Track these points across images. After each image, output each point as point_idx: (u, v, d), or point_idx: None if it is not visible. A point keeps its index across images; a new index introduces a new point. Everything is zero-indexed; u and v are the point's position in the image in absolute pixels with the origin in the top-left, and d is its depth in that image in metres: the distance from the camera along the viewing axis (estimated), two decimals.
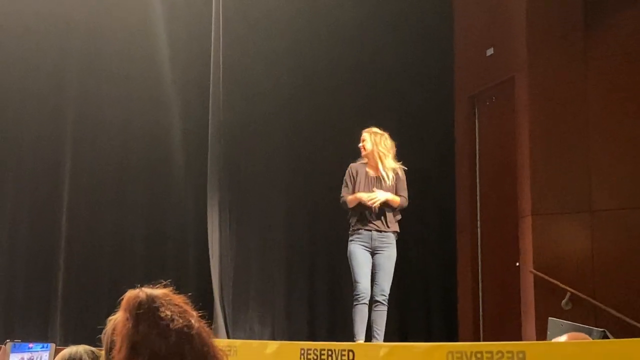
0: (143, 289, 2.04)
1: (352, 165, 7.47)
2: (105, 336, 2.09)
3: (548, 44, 9.20)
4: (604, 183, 8.83)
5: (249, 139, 10.10)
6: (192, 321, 2.01)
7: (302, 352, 5.82)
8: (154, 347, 1.93)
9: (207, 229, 9.20)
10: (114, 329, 2.06)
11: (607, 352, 4.34)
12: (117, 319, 2.06)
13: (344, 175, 7.49)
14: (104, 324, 7.77)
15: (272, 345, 6.15)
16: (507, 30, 9.65)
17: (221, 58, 9.37)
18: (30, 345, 3.51)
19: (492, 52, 9.85)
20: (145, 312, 1.98)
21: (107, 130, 9.81)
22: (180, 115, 10.03)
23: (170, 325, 1.98)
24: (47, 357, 3.48)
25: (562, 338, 4.17)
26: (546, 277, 8.68)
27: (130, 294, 2.04)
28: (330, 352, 5.61)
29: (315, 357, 5.69)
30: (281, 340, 8.75)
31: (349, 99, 10.42)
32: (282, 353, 5.99)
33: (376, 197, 7.17)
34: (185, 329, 1.99)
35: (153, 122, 9.96)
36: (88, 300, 9.32)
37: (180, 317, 2.00)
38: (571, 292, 8.56)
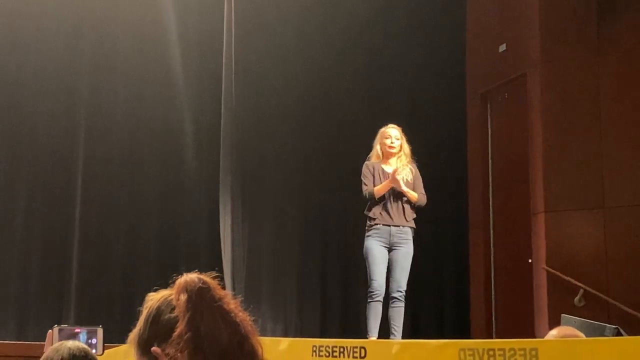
0: (200, 275, 2.02)
1: (366, 163, 7.42)
2: (148, 310, 2.06)
3: (561, 40, 9.18)
4: (617, 179, 8.80)
5: (261, 134, 10.12)
6: (248, 318, 2.02)
7: (314, 348, 5.82)
8: (217, 338, 1.92)
9: (219, 224, 9.21)
10: (157, 307, 2.04)
11: (620, 349, 4.33)
12: (167, 296, 2.04)
13: (358, 172, 7.46)
14: (116, 314, 7.69)
15: (284, 342, 6.15)
16: (519, 26, 9.62)
17: (233, 54, 9.38)
18: (77, 330, 3.51)
19: (505, 48, 9.82)
20: (209, 300, 1.97)
21: (120, 126, 9.84)
22: (192, 111, 10.04)
23: (232, 315, 1.97)
24: (95, 342, 3.49)
25: (553, 333, 4.15)
26: (559, 274, 8.66)
27: (188, 277, 2.01)
28: (342, 349, 5.61)
29: (327, 354, 5.69)
30: (293, 337, 8.76)
31: (360, 95, 10.43)
32: (294, 350, 5.98)
33: (399, 174, 7.14)
34: (244, 323, 1.99)
35: (165, 117, 9.97)
36: (101, 291, 9.42)
37: (240, 311, 2.01)
38: (584, 289, 8.54)
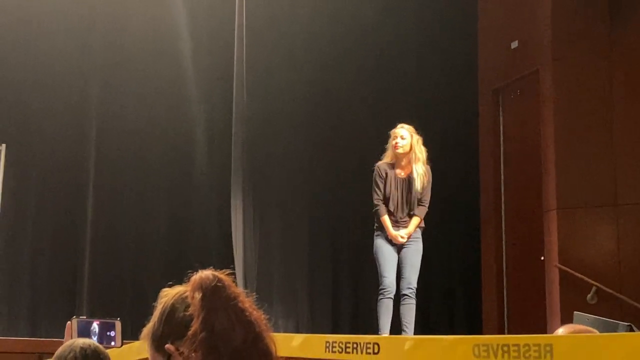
0: (215, 273, 2.02)
1: (379, 165, 7.25)
2: (162, 307, 2.05)
3: (573, 37, 9.15)
4: (629, 177, 8.78)
5: (272, 132, 10.13)
6: (262, 317, 2.02)
7: (327, 345, 5.82)
8: (231, 337, 1.92)
9: (230, 222, 9.22)
10: (172, 304, 2.04)
11: (635, 345, 4.31)
12: (182, 293, 2.04)
13: (368, 170, 7.42)
14: (129, 310, 7.70)
15: (298, 338, 6.15)
16: (531, 23, 9.60)
17: (244, 53, 9.38)
18: (96, 322, 3.53)
19: (517, 45, 9.80)
20: (224, 298, 1.97)
21: (131, 124, 9.86)
22: (203, 110, 10.06)
23: (247, 314, 1.97)
24: (113, 334, 3.50)
25: (560, 331, 4.13)
26: (571, 271, 8.64)
27: (203, 274, 2.00)
28: (355, 345, 5.60)
29: (340, 350, 5.68)
30: (305, 333, 8.75)
31: (372, 92, 10.43)
32: (307, 346, 5.98)
33: (401, 241, 7.09)
34: (258, 322, 1.99)
35: (176, 116, 10.00)
36: (113, 288, 9.49)
37: (254, 310, 2.00)
38: (597, 286, 8.51)
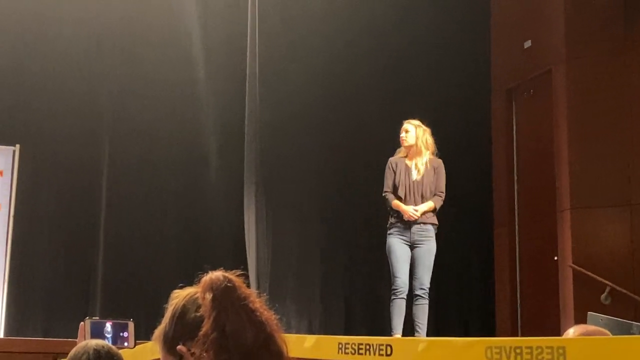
0: (226, 273, 2.03)
1: (391, 159, 7.42)
2: (173, 308, 2.06)
3: (587, 36, 9.11)
4: None
5: (285, 133, 10.12)
6: (273, 317, 2.03)
7: (340, 346, 5.81)
8: (242, 337, 1.93)
9: (243, 224, 9.23)
10: (183, 305, 2.05)
11: None
12: (193, 294, 2.05)
13: (382, 171, 7.48)
14: (142, 311, 7.72)
15: (310, 339, 6.15)
16: (545, 22, 9.57)
17: (257, 55, 9.38)
18: (109, 322, 3.54)
19: (530, 44, 9.77)
20: (235, 299, 1.98)
21: (144, 126, 9.87)
22: (216, 112, 10.06)
23: (257, 314, 1.98)
24: (126, 335, 3.52)
25: (570, 332, 4.11)
26: (585, 272, 8.62)
27: (214, 275, 2.01)
28: (368, 347, 5.60)
29: (353, 351, 5.68)
30: (318, 334, 8.76)
31: (384, 92, 10.41)
32: (319, 347, 5.98)
33: (414, 215, 7.14)
34: (269, 322, 2.00)
35: (189, 118, 10.01)
36: (126, 289, 9.52)
37: (265, 310, 2.01)
38: (610, 287, 8.48)
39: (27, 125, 9.62)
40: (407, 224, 7.16)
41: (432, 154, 7.36)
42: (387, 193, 7.33)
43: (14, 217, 9.28)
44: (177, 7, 10.02)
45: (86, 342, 3.25)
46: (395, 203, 7.23)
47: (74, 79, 9.73)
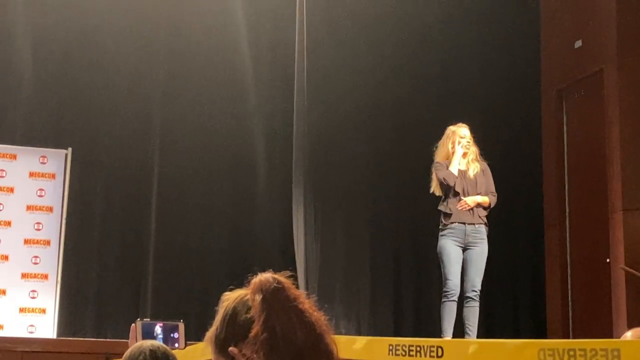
0: (275, 275, 2.04)
1: (439, 161, 7.39)
2: (224, 310, 2.08)
3: (639, 35, 8.99)
4: None
5: (333, 138, 10.16)
6: (322, 318, 2.03)
7: (391, 347, 5.79)
8: (292, 338, 1.93)
9: (292, 226, 9.25)
10: (233, 307, 2.06)
11: None
12: (243, 296, 2.06)
13: (429, 175, 7.48)
14: (192, 312, 7.81)
15: (361, 341, 6.14)
16: (596, 21, 9.45)
17: (305, 61, 9.39)
18: (160, 324, 3.57)
19: (580, 44, 9.66)
20: (284, 300, 1.99)
21: (193, 133, 9.97)
22: (264, 117, 10.12)
23: (307, 315, 1.98)
24: (177, 336, 3.55)
25: (628, 334, 4.04)
26: (638, 274, 8.49)
27: (263, 276, 2.03)
28: (419, 348, 5.57)
29: (403, 353, 5.66)
30: (367, 336, 8.75)
31: (434, 95, 10.39)
32: (370, 349, 5.97)
33: (466, 203, 7.11)
34: (319, 322, 2.00)
35: (237, 125, 10.08)
36: (177, 290, 9.63)
37: (314, 311, 2.01)
38: None
39: (78, 129, 9.76)
40: (461, 226, 7.12)
41: (476, 159, 7.37)
42: (437, 163, 7.31)
43: (66, 219, 9.41)
44: (226, 13, 10.09)
45: (141, 342, 3.28)
46: (450, 169, 7.19)
47: (125, 84, 9.86)
